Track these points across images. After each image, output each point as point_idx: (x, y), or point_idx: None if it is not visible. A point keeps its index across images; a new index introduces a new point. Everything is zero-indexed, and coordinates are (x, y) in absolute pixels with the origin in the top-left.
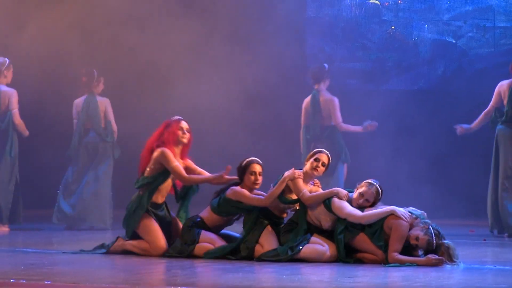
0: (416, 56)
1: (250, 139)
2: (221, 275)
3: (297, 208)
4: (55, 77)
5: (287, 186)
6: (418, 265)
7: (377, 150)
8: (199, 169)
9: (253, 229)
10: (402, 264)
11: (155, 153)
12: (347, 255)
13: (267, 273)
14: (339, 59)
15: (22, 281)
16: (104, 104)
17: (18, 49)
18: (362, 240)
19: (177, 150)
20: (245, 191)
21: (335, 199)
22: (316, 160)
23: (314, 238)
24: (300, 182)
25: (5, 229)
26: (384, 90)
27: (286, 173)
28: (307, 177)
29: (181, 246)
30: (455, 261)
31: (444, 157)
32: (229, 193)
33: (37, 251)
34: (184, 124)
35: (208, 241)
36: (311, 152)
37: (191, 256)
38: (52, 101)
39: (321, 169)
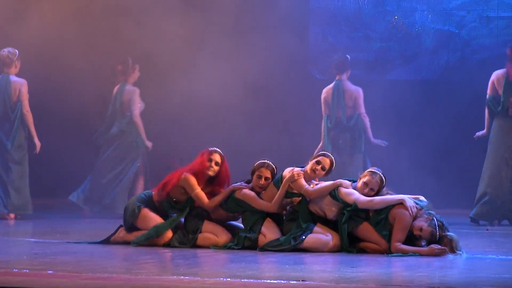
0: (419, 46)
1: (251, 131)
2: (224, 264)
3: (296, 203)
4: (53, 67)
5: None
6: (421, 255)
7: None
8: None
9: (254, 223)
10: (405, 254)
11: (181, 177)
12: (350, 244)
13: (270, 263)
14: (342, 49)
15: (25, 270)
16: (130, 93)
17: (18, 39)
18: (366, 230)
19: (203, 179)
20: (253, 195)
21: (341, 188)
22: (318, 162)
23: (317, 228)
24: (301, 181)
25: (11, 218)
26: (387, 80)
27: (286, 173)
28: (306, 177)
29: (184, 237)
30: (457, 253)
31: (447, 146)
32: (238, 193)
33: (40, 240)
34: (215, 157)
35: (212, 231)
36: (316, 154)
37: (194, 246)
38: (50, 90)
39: (320, 172)
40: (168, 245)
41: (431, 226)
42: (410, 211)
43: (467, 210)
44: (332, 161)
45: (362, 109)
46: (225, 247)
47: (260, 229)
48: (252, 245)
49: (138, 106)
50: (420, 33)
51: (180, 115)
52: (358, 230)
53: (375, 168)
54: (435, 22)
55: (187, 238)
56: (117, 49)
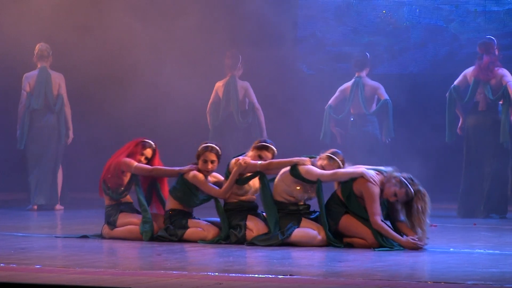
0: (408, 40)
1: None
2: (212, 259)
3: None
4: (15, 63)
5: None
6: (400, 245)
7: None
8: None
9: (239, 220)
10: (384, 234)
11: (116, 164)
12: (337, 239)
13: (257, 257)
14: (330, 43)
15: (12, 265)
16: (244, 88)
17: None
18: (349, 224)
19: None
20: (203, 178)
21: (301, 166)
22: (260, 157)
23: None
24: (251, 163)
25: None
26: (375, 75)
27: (232, 164)
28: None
29: (172, 230)
30: (428, 207)
31: (435, 141)
32: (187, 175)
33: (28, 235)
34: (147, 152)
35: (197, 225)
36: (259, 145)
37: (182, 240)
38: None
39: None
40: (157, 238)
41: (403, 186)
42: (372, 181)
43: (454, 204)
44: (275, 153)
45: (386, 96)
46: (212, 241)
47: (246, 224)
48: (240, 241)
49: (254, 96)
50: (408, 27)
51: (168, 114)
52: (341, 227)
53: (336, 150)
54: (423, 16)
55: (174, 232)
56: (88, 53)
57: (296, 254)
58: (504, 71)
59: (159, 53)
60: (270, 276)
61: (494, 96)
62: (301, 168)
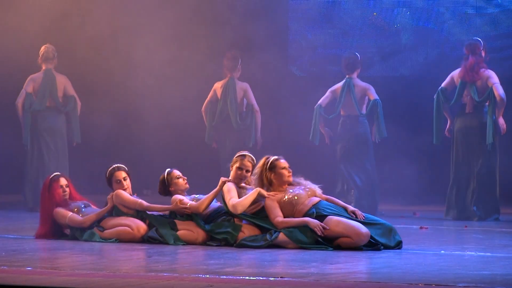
0: (398, 43)
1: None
2: (203, 261)
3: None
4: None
5: None
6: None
7: None
8: None
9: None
10: (290, 226)
11: (52, 215)
12: (327, 241)
13: (248, 259)
14: (321, 45)
15: (3, 267)
16: (244, 89)
17: None
18: (334, 225)
19: (65, 205)
20: (123, 193)
21: (223, 193)
22: (178, 177)
23: None
24: (186, 205)
25: None
26: (366, 77)
27: (173, 198)
28: (180, 189)
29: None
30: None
31: (425, 144)
32: (113, 199)
33: (19, 237)
34: (62, 181)
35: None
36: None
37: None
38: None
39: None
40: (146, 240)
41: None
42: (266, 195)
43: (444, 206)
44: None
45: (376, 96)
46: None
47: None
48: (230, 243)
49: (253, 98)
50: (399, 30)
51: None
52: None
53: (241, 151)
54: (414, 18)
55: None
56: (88, 55)
57: (287, 256)
58: (490, 73)
59: (142, 61)
60: (261, 278)
61: (480, 98)
62: (223, 189)
